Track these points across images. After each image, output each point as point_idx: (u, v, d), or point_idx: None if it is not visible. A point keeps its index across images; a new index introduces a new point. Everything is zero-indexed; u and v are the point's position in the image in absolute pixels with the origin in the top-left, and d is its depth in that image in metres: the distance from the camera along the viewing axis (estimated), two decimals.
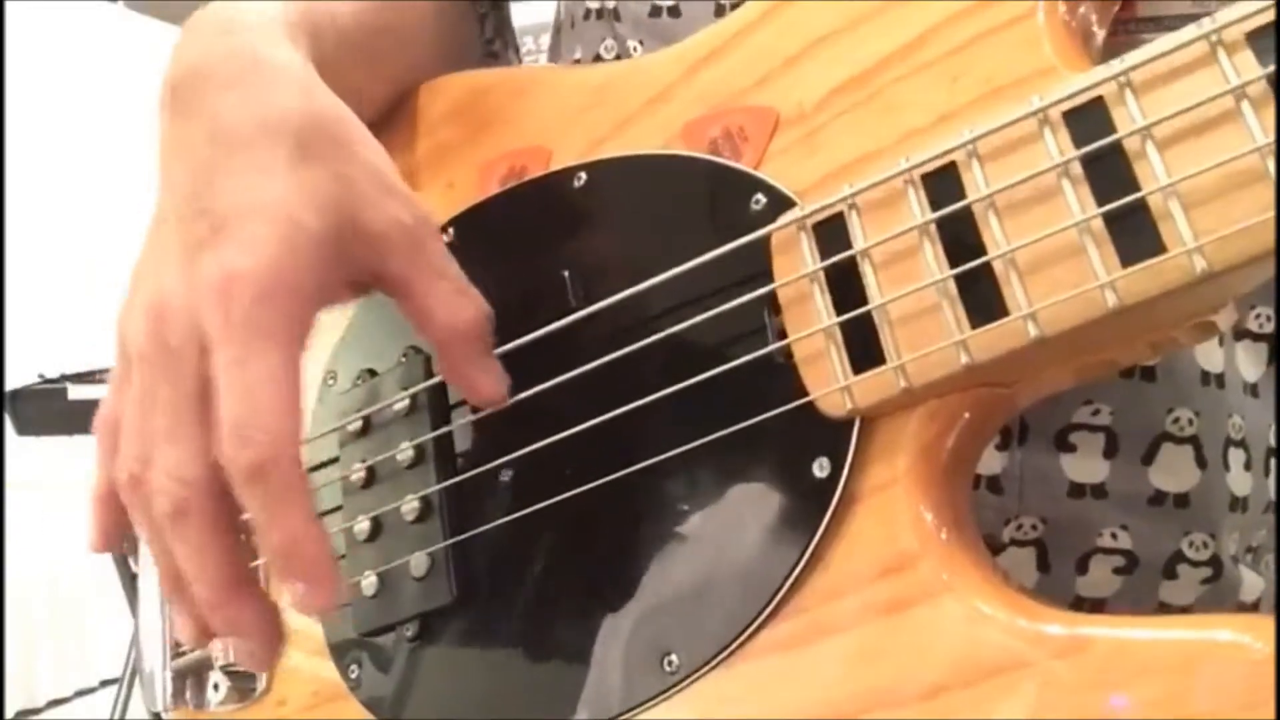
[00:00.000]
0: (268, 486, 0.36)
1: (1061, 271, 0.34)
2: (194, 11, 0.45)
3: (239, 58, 0.41)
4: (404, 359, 0.50)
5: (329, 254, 0.39)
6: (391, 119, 0.55)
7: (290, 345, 0.37)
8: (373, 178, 0.41)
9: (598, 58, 0.59)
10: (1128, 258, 0.33)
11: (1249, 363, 0.50)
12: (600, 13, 0.59)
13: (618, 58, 0.58)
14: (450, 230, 0.51)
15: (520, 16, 0.70)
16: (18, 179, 3.22)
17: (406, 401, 0.49)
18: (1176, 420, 0.47)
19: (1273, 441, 0.51)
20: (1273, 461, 0.51)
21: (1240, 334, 0.50)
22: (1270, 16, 0.31)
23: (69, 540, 3.05)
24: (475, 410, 0.47)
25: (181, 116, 0.41)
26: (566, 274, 0.46)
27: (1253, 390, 0.50)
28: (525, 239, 0.49)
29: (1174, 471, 0.47)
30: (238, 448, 0.36)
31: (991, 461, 0.47)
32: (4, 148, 3.15)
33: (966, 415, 0.38)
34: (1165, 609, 0.49)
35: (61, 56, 3.58)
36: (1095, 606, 0.48)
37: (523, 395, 0.44)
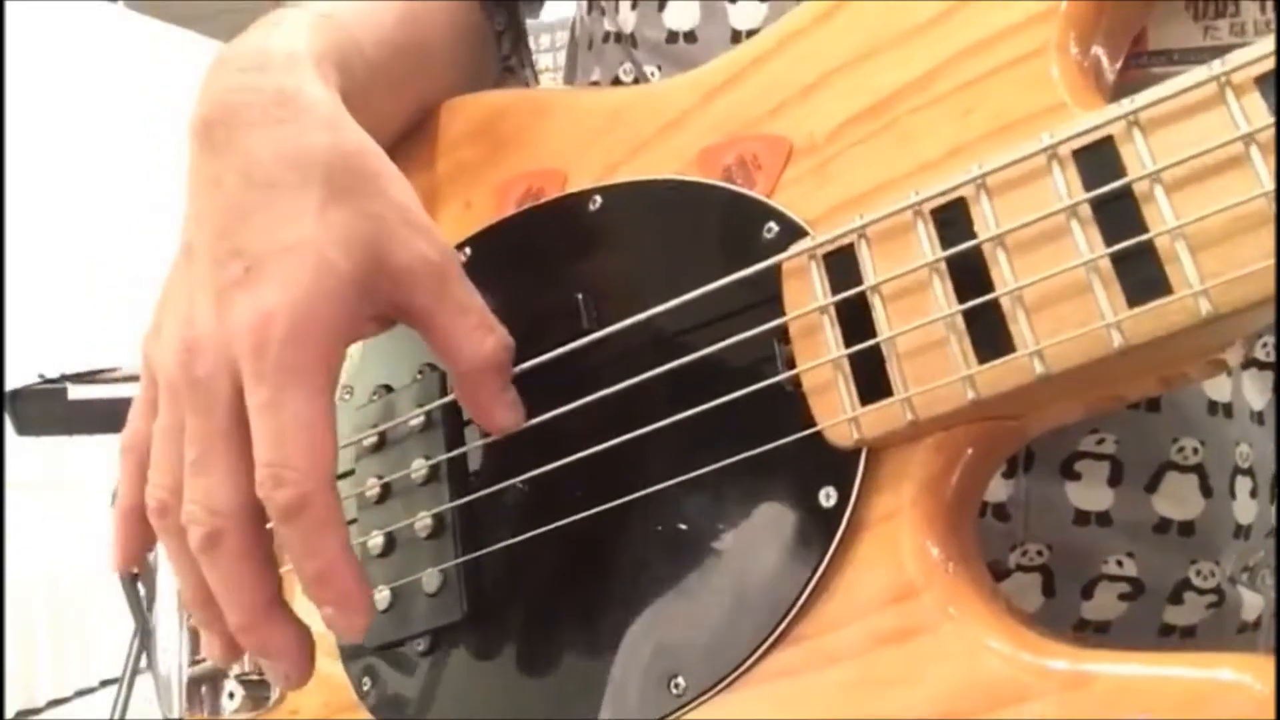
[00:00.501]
0: (303, 522, 0.38)
1: (1068, 309, 0.34)
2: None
3: (271, 96, 0.42)
4: (420, 375, 0.51)
5: (358, 292, 0.40)
6: (412, 138, 0.56)
7: (322, 384, 0.38)
8: (399, 214, 0.42)
9: (616, 80, 0.59)
10: (1134, 298, 0.33)
11: (1255, 391, 0.50)
12: (618, 37, 0.59)
13: (635, 81, 0.58)
14: (466, 249, 0.52)
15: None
16: (18, 179, 3.24)
17: (422, 418, 0.50)
18: (1181, 449, 0.47)
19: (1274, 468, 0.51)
20: (1277, 489, 0.51)
21: (1247, 363, 0.50)
22: None
23: (69, 540, 3.07)
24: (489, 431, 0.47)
25: (213, 152, 0.42)
26: (580, 296, 0.47)
27: (1259, 418, 0.50)
28: (540, 260, 0.50)
29: (1179, 500, 0.47)
30: (273, 487, 0.37)
31: (997, 489, 0.47)
32: (4, 148, 3.17)
33: (972, 449, 0.38)
34: (1169, 630, 0.49)
35: (61, 56, 3.59)
36: (1099, 629, 0.49)
37: (535, 420, 0.45)
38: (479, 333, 0.43)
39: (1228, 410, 0.48)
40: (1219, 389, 0.48)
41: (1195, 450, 0.47)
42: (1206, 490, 0.47)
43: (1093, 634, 0.49)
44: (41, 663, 3.26)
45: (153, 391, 0.42)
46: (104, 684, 3.27)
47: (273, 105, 0.42)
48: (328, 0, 0.51)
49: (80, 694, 3.35)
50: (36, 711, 3.22)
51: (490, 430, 0.45)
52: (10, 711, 3.04)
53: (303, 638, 0.41)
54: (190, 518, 0.39)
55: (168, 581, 0.62)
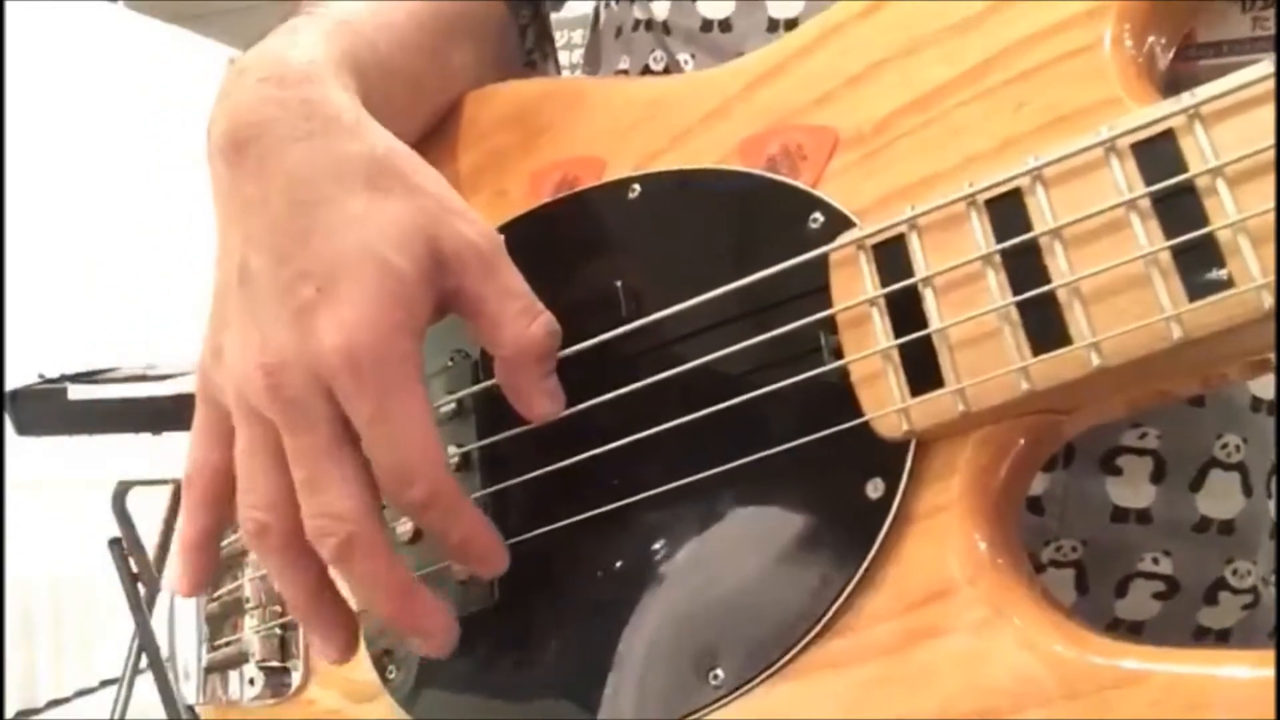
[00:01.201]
0: (437, 509, 0.41)
1: (1126, 302, 0.34)
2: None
3: (297, 110, 0.42)
4: (451, 363, 0.50)
5: (421, 286, 0.41)
6: (441, 129, 0.56)
7: (414, 383, 0.40)
8: (439, 203, 0.42)
9: (646, 69, 0.59)
10: (1194, 291, 0.33)
11: None
12: (649, 24, 0.59)
13: (666, 70, 0.58)
14: (501, 237, 0.51)
15: None
16: (18, 179, 3.22)
17: (453, 405, 0.49)
18: (1225, 446, 0.47)
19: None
20: (1277, 486, 0.51)
21: None
22: None
23: (69, 540, 3.06)
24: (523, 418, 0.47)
25: (247, 173, 0.42)
26: (618, 285, 0.46)
27: None
28: (577, 248, 0.49)
29: (1221, 498, 0.47)
30: (402, 489, 0.40)
31: (1034, 482, 0.47)
32: (4, 148, 3.16)
33: (1021, 441, 0.38)
34: (1204, 633, 0.49)
35: (61, 56, 3.58)
36: (1133, 629, 0.49)
37: (572, 410, 0.45)
38: (525, 317, 0.43)
39: (1270, 408, 0.48)
40: (1263, 385, 0.48)
41: (1238, 447, 0.47)
42: (1247, 489, 0.47)
43: (1126, 634, 0.48)
44: (41, 663, 3.26)
45: (215, 417, 0.43)
46: (104, 684, 3.27)
47: (300, 120, 0.42)
48: (344, 1, 0.51)
49: (80, 694, 3.35)
50: (36, 711, 3.22)
51: (529, 418, 0.44)
52: (10, 711, 3.04)
53: (445, 607, 0.42)
54: (320, 531, 0.40)
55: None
